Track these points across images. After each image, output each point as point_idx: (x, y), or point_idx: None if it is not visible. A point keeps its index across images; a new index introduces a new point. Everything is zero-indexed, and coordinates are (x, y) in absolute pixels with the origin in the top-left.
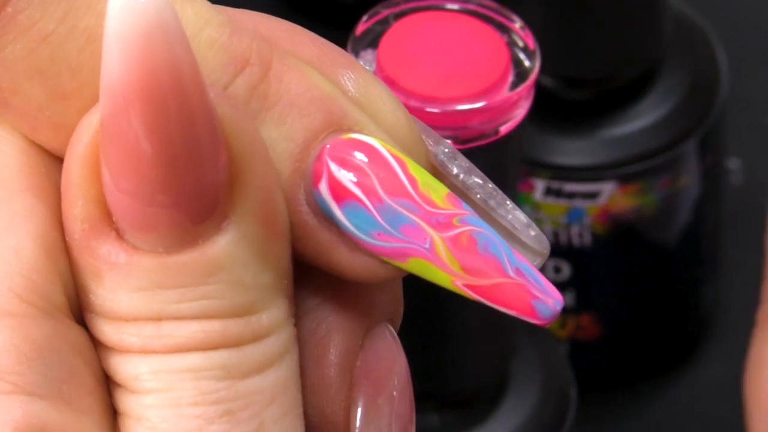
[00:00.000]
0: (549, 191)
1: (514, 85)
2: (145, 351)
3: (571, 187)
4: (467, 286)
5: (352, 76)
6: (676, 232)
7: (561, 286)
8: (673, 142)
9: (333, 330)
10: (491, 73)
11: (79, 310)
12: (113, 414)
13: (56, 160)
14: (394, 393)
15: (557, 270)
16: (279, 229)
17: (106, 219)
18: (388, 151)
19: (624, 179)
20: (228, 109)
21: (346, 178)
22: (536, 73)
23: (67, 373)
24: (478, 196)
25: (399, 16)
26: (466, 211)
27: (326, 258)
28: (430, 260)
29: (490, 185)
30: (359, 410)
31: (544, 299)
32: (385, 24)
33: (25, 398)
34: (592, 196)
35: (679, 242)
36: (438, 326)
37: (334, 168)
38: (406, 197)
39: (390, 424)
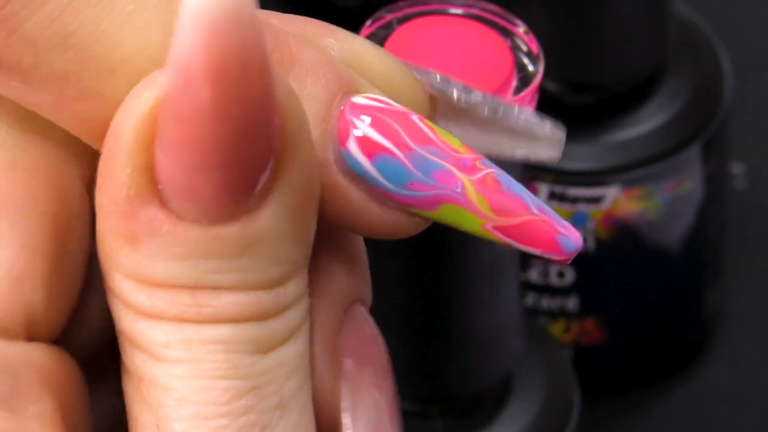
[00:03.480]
0: (552, 196)
1: (518, 90)
2: (179, 319)
3: (574, 191)
4: (497, 228)
5: (333, 41)
6: (679, 237)
7: (565, 291)
8: (676, 147)
9: (314, 311)
10: (495, 77)
11: (45, 321)
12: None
13: (41, 172)
14: (377, 367)
15: (561, 275)
16: (314, 203)
17: (153, 187)
18: (402, 106)
19: (628, 184)
20: (285, 88)
21: (374, 132)
22: (540, 78)
23: (13, 385)
24: (486, 109)
25: (402, 20)
26: (482, 155)
27: (355, 216)
28: (462, 204)
29: (490, 96)
30: (346, 386)
31: (567, 234)
32: (388, 29)
33: None
34: (596, 200)
35: (683, 247)
36: (442, 331)
37: (360, 124)
38: (432, 144)
39: (378, 398)
